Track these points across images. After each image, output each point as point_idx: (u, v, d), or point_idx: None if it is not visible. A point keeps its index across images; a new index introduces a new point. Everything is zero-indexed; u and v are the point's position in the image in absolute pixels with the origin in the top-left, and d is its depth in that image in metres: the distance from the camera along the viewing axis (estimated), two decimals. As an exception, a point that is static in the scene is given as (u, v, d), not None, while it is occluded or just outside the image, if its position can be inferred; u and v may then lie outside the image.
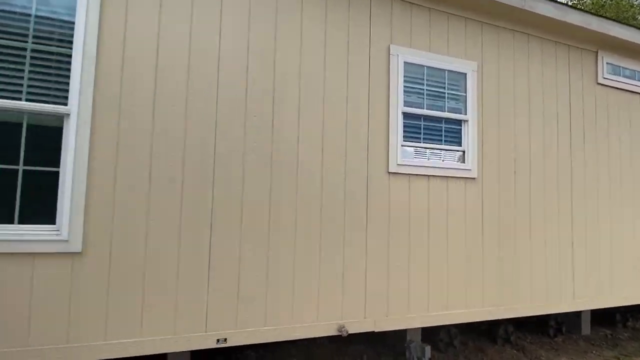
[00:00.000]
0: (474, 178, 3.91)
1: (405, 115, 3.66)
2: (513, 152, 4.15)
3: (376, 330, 3.45)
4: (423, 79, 3.78)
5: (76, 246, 2.60)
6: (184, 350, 2.87)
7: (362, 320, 3.39)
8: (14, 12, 2.60)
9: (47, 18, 2.66)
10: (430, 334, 3.97)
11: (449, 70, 3.89)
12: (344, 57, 3.49)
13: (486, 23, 4.15)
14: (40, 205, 2.60)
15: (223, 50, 3.08)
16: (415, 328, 3.70)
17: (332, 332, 3.28)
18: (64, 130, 2.65)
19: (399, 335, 3.82)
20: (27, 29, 2.61)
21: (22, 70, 2.58)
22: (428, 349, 3.75)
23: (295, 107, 3.28)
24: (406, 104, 3.67)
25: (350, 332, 3.29)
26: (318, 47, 3.40)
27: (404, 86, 3.66)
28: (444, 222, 3.76)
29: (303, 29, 3.35)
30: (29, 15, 2.62)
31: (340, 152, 3.41)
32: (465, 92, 3.95)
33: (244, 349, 3.64)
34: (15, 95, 2.56)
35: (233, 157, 3.06)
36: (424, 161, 3.73)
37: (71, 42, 2.67)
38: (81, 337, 2.62)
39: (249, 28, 3.18)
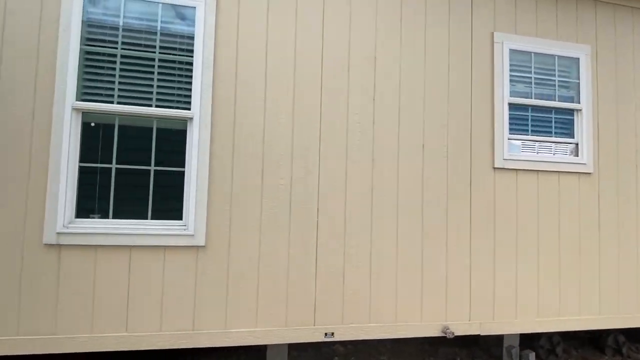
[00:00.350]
0: (589, 173, 3.56)
1: (512, 106, 3.43)
2: (634, 144, 3.71)
3: (482, 333, 3.29)
4: (530, 67, 3.51)
5: (200, 240, 2.80)
6: (295, 342, 2.96)
7: (467, 323, 3.26)
8: (144, 26, 2.84)
9: (171, 29, 2.88)
10: (528, 340, 3.71)
11: (558, 56, 3.57)
12: (444, 48, 3.35)
13: (600, 1, 3.74)
14: (169, 203, 2.84)
15: (326, 49, 3.11)
16: (515, 333, 3.48)
17: (436, 332, 3.20)
18: (187, 133, 2.85)
19: (493, 339, 3.61)
20: (154, 40, 2.85)
21: (152, 79, 2.83)
22: (532, 355, 3.52)
23: (395, 103, 3.22)
24: (512, 94, 3.43)
25: (455, 334, 3.18)
26: (418, 39, 3.30)
27: (510, 75, 3.42)
28: (556, 221, 3.48)
29: (403, 20, 3.28)
30: (155, 27, 2.86)
31: (441, 147, 3.29)
32: (578, 79, 3.60)
33: (333, 343, 3.70)
34: (147, 102, 2.81)
35: (336, 156, 3.09)
36: (532, 155, 3.48)
37: (192, 51, 2.87)
38: (204, 325, 2.82)
39: (350, 27, 3.18)
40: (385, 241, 3.15)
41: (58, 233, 2.60)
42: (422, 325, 3.18)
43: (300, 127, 3.04)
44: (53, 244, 2.60)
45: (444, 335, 3.19)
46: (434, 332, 3.19)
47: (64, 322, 2.62)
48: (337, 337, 3.03)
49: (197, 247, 2.82)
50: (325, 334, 3.00)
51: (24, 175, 2.61)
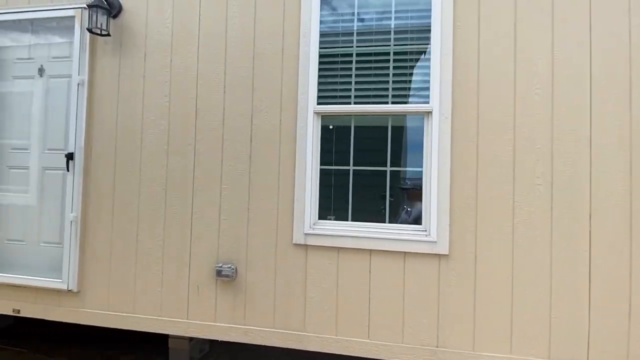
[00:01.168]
0: None
1: None
2: None
3: None
4: None
5: (443, 248, 2.51)
6: (561, 380, 2.41)
7: None
8: (377, 18, 2.71)
9: (405, 17, 2.67)
10: None
11: None
12: None
13: None
14: (407, 206, 2.64)
15: (594, 38, 2.42)
16: None
17: None
18: (425, 129, 2.60)
19: None
20: (389, 32, 2.68)
21: (387, 75, 2.67)
22: None
23: None
24: None
25: None
26: None
27: None
28: None
29: None
30: (389, 17, 2.69)
31: None
32: None
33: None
34: (383, 99, 2.67)
35: (614, 145, 2.38)
36: None
37: (428, 38, 2.59)
38: (449, 343, 2.52)
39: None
40: (695, 261, 2.28)
41: (306, 234, 2.67)
42: None
43: (561, 112, 2.44)
44: (301, 244, 2.70)
45: None
46: None
47: (312, 320, 2.69)
48: (620, 382, 2.33)
49: (439, 255, 2.54)
50: (605, 375, 2.34)
51: (274, 180, 2.77)
